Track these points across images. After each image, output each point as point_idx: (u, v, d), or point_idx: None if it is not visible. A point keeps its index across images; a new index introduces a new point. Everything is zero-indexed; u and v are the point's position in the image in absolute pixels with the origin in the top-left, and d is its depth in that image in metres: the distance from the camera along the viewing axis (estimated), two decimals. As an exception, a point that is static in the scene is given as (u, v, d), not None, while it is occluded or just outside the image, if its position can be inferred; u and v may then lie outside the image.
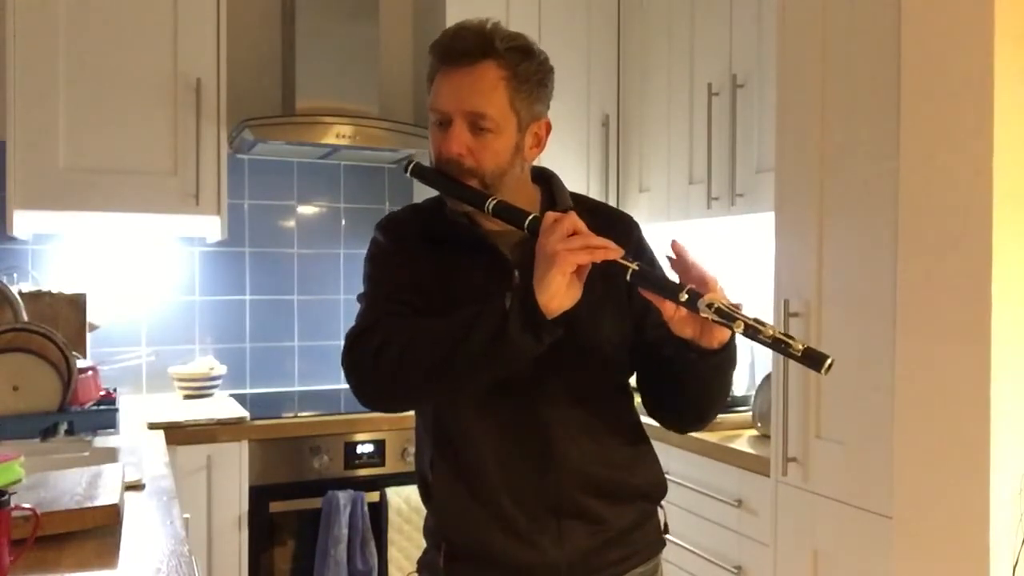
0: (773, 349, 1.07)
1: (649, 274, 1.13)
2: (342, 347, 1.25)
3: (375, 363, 1.19)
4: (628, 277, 1.11)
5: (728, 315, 1.07)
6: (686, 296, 1.08)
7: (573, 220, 1.11)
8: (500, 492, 1.24)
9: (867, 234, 1.65)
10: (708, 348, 1.15)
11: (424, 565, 1.36)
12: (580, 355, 1.26)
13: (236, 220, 2.93)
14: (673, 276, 1.17)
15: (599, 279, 1.14)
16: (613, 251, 1.11)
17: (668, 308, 1.12)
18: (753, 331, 1.06)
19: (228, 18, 2.64)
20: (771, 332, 1.05)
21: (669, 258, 1.19)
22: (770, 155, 2.11)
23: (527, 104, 1.25)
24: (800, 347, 1.05)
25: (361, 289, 1.33)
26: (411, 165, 1.29)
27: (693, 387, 1.24)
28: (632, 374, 1.38)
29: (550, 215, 1.13)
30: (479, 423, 1.25)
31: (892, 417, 1.56)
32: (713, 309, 1.07)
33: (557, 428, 1.25)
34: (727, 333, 1.14)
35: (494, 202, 1.21)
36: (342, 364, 1.25)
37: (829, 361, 1.04)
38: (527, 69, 1.24)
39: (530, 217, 1.18)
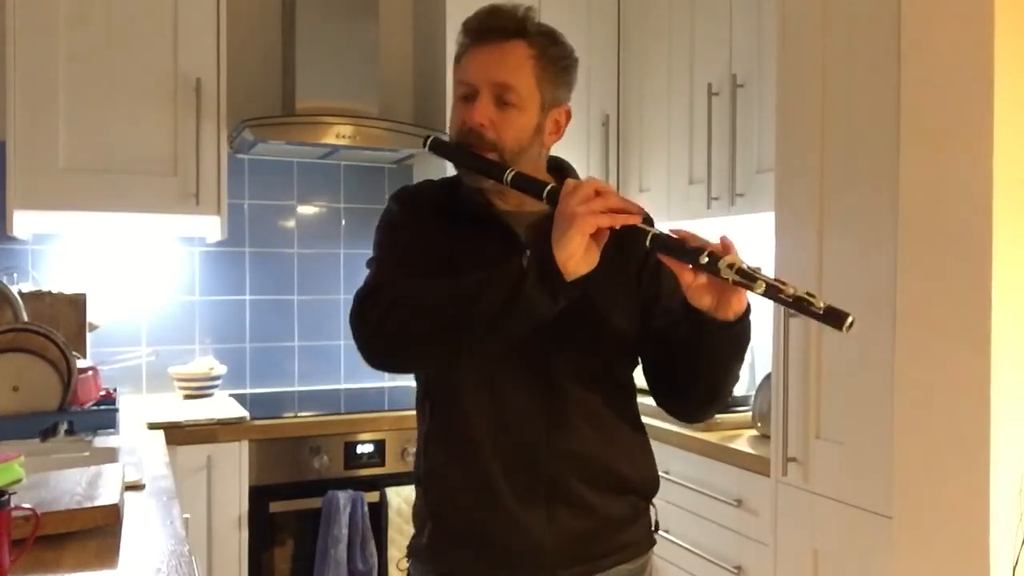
0: (795, 308, 1.05)
1: (668, 239, 1.12)
2: (350, 305, 1.24)
3: (385, 319, 1.18)
4: (647, 242, 1.11)
5: (749, 275, 1.06)
6: (707, 259, 1.08)
7: (595, 182, 1.12)
8: (492, 471, 1.24)
9: (867, 234, 1.65)
10: (724, 320, 1.14)
11: (412, 549, 1.36)
12: (587, 339, 1.27)
13: (236, 220, 2.93)
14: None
15: (611, 264, 1.15)
16: (633, 216, 1.11)
17: (687, 276, 1.12)
18: (774, 290, 1.05)
19: (228, 18, 2.64)
20: (792, 291, 1.04)
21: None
22: (770, 155, 2.11)
23: (552, 86, 1.28)
24: (821, 305, 1.03)
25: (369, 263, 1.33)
26: (430, 139, 1.31)
27: (708, 363, 1.22)
28: (636, 367, 1.37)
29: (570, 182, 1.14)
30: (477, 401, 1.25)
31: (892, 417, 1.56)
32: (735, 270, 1.06)
33: (556, 412, 1.25)
34: (743, 304, 1.14)
35: (512, 173, 1.21)
36: (350, 322, 1.24)
37: (850, 319, 1.02)
38: (555, 53, 1.28)
39: (549, 187, 1.18)
